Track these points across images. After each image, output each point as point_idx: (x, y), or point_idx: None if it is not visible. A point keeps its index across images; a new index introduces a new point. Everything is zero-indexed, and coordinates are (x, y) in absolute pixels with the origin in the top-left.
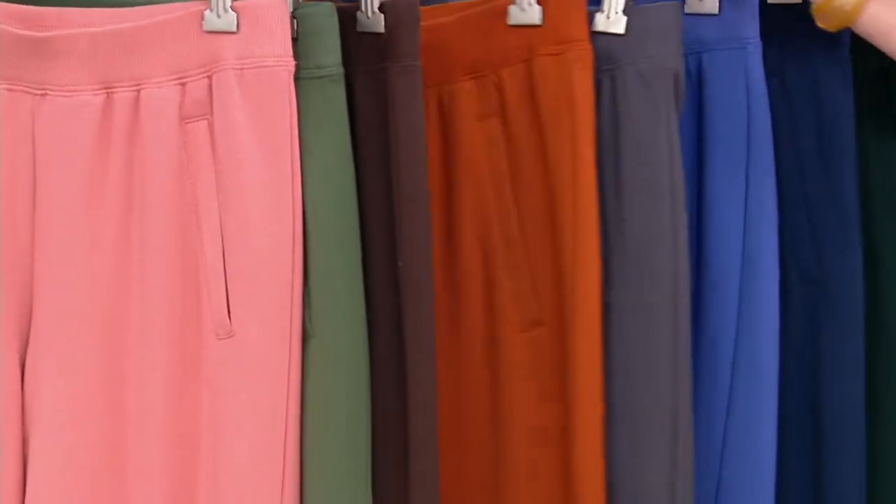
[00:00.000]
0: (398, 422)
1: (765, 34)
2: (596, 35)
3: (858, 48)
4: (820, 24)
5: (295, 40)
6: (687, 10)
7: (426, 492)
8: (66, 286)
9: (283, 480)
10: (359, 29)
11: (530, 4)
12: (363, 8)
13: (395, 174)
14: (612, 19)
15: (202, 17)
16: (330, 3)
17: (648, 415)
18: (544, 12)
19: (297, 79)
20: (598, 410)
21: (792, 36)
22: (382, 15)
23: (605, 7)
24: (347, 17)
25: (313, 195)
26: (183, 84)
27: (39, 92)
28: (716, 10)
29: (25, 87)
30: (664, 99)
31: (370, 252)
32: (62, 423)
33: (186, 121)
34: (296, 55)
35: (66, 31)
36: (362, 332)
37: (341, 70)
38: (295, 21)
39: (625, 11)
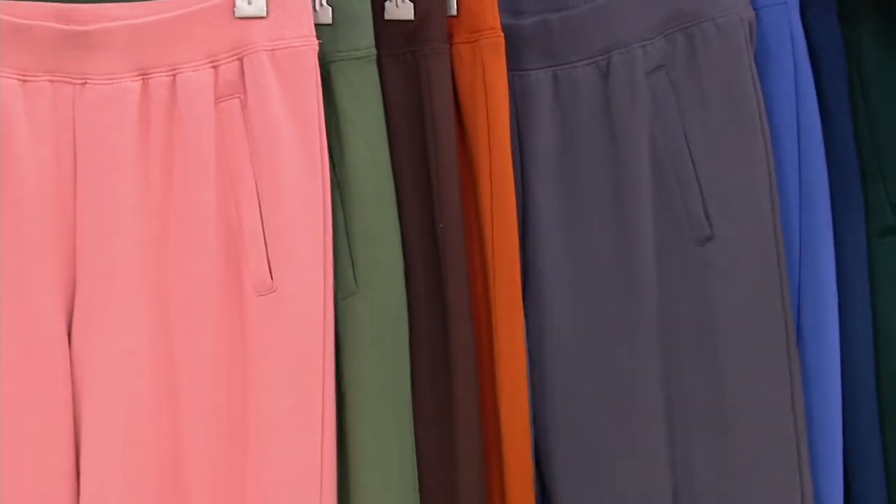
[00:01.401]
0: (438, 362)
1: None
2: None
3: None
4: None
5: (331, 26)
6: None
7: (472, 437)
8: (110, 254)
9: (322, 418)
10: (386, 17)
11: None
12: None
13: (433, 145)
14: None
15: (234, 5)
16: None
17: (759, 327)
18: (459, 4)
19: (335, 61)
20: (523, 401)
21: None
22: (412, 4)
23: None
24: (374, 6)
25: (355, 161)
26: (216, 67)
27: (80, 81)
28: None
29: (66, 77)
30: (741, 47)
31: (407, 216)
32: (114, 380)
33: (220, 100)
34: (333, 39)
35: (104, 25)
36: (401, 288)
37: (374, 52)
38: (332, 8)
39: None
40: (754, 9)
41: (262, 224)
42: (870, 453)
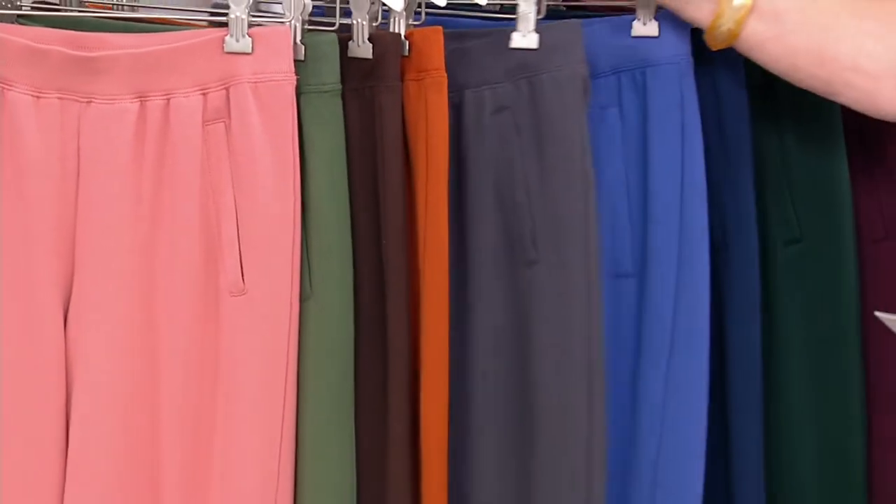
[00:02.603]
0: (378, 364)
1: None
2: (513, 50)
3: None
4: (710, 46)
5: (303, 62)
6: (633, 34)
7: (401, 420)
8: (105, 254)
9: (283, 409)
10: (349, 55)
11: (243, 36)
12: (355, 38)
13: (382, 170)
14: (527, 37)
15: (223, 41)
16: (333, 35)
17: (568, 349)
18: (410, 45)
19: (305, 93)
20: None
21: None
22: (371, 45)
23: (521, 28)
24: (340, 45)
25: (316, 183)
26: (205, 94)
27: (85, 100)
28: (655, 34)
29: (74, 96)
30: (575, 99)
31: (357, 231)
32: (103, 360)
33: (207, 123)
34: (304, 74)
35: (109, 52)
36: (350, 295)
37: (340, 87)
38: (304, 46)
39: (536, 30)
40: (652, 65)
41: (238, 233)
42: (752, 463)
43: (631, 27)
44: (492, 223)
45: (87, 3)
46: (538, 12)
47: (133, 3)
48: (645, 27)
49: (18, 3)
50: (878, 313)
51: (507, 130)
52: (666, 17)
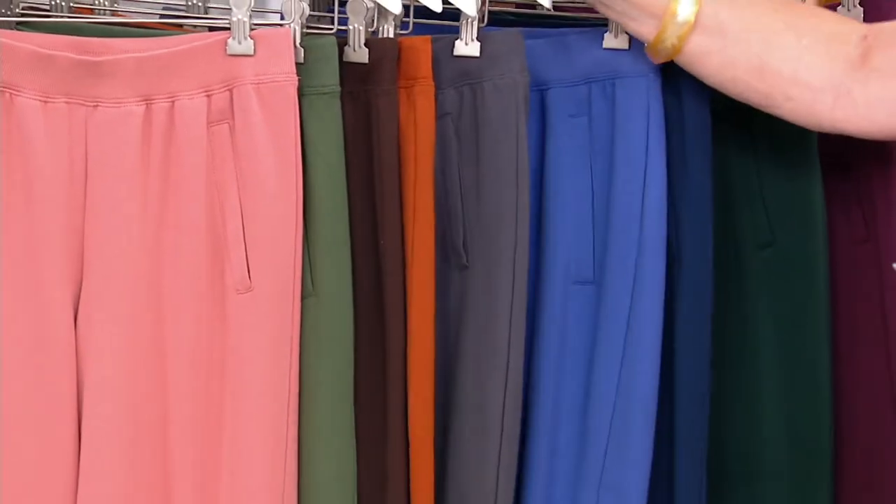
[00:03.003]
0: (376, 356)
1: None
2: (457, 58)
3: None
4: (653, 61)
5: (303, 64)
6: (605, 46)
7: (400, 412)
8: (113, 254)
9: (288, 404)
10: (345, 59)
11: (245, 38)
12: (351, 43)
13: (378, 171)
14: (469, 46)
15: (226, 44)
16: (333, 38)
17: (488, 352)
18: (399, 54)
19: (305, 94)
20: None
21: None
22: (367, 49)
23: (463, 35)
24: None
25: (317, 182)
26: (209, 96)
27: (92, 104)
28: (626, 46)
29: (80, 100)
30: (514, 106)
31: (356, 230)
32: (112, 358)
33: (212, 124)
34: (305, 76)
35: (114, 56)
36: (350, 292)
37: (339, 89)
38: (304, 49)
39: (478, 38)
40: (621, 77)
41: (244, 231)
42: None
43: (602, 39)
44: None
45: (75, 10)
46: (482, 20)
47: (118, 9)
48: (616, 40)
49: (17, 10)
50: None
51: (448, 136)
52: None
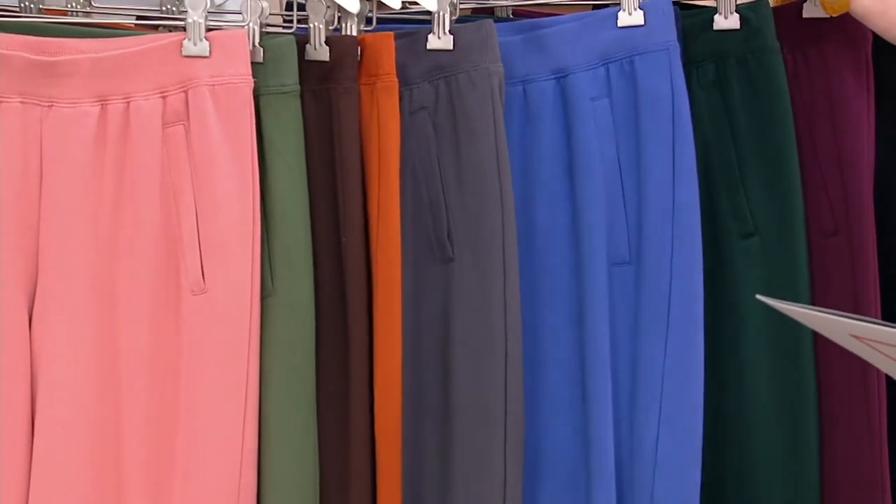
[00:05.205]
0: (338, 355)
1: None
2: (430, 51)
3: None
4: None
5: (262, 64)
6: (620, 24)
7: (363, 410)
8: (68, 254)
9: (245, 405)
10: (306, 58)
11: (201, 40)
12: (312, 41)
13: (340, 169)
14: (442, 39)
15: (181, 45)
16: (291, 37)
17: (485, 341)
18: (362, 50)
19: (264, 94)
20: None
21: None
22: (328, 48)
23: (435, 29)
24: (297, 48)
25: (277, 182)
26: (164, 97)
27: (47, 104)
28: (641, 22)
29: (35, 100)
30: (489, 95)
31: (317, 228)
32: (67, 358)
33: (167, 125)
34: (264, 76)
35: (70, 56)
36: (311, 291)
37: (298, 88)
38: (263, 49)
39: (450, 31)
40: (641, 53)
41: (198, 233)
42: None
43: (617, 18)
44: (411, 220)
45: (44, 10)
46: (452, 14)
47: (88, 10)
48: (630, 17)
49: None
50: (761, 297)
51: (426, 130)
52: (649, 6)
